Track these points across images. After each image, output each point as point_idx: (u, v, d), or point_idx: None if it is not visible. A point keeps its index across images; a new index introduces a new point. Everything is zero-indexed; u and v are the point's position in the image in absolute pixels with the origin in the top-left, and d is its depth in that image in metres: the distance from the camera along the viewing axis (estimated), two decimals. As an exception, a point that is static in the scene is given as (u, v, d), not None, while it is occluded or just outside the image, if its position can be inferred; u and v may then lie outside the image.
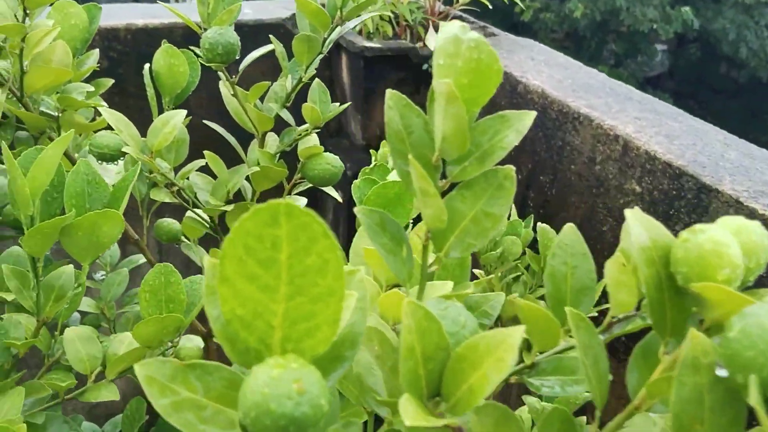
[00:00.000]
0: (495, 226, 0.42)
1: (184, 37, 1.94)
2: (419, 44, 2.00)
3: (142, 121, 1.84)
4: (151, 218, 1.03)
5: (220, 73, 0.84)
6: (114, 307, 1.06)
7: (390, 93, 0.44)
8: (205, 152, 0.86)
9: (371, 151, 1.35)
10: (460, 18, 2.10)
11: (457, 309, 0.41)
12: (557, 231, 1.47)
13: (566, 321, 0.42)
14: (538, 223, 1.26)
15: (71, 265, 0.71)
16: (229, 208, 0.86)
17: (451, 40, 0.39)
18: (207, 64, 0.80)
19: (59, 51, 0.92)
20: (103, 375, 0.77)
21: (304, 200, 0.97)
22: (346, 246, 1.83)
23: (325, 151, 0.86)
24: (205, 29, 0.82)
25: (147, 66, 0.97)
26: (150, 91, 0.96)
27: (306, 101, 0.86)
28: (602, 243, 1.48)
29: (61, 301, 0.69)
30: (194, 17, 0.85)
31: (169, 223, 0.98)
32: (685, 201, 1.34)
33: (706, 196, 1.26)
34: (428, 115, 0.44)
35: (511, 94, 1.71)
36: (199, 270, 0.98)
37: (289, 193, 0.93)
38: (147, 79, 0.96)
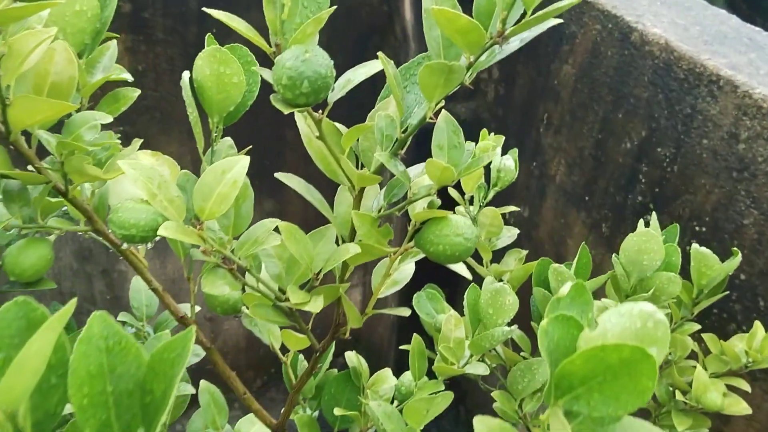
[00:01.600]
0: None
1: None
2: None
3: (173, 75, 1.48)
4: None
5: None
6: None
7: None
8: (281, 225, 0.57)
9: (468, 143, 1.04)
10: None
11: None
12: (677, 216, 1.17)
13: None
14: (693, 246, 0.96)
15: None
16: (316, 307, 0.57)
17: None
18: (287, 110, 0.50)
19: (60, 58, 0.62)
20: None
21: (411, 267, 0.68)
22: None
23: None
24: (277, 46, 0.51)
25: (185, 75, 0.66)
26: (192, 114, 0.65)
27: (419, 138, 0.56)
28: (742, 239, 1.18)
29: None
30: None
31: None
32: None
33: None
34: None
35: (622, 43, 1.37)
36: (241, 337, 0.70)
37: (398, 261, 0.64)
38: (187, 94, 0.66)
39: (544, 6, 0.47)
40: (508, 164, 0.95)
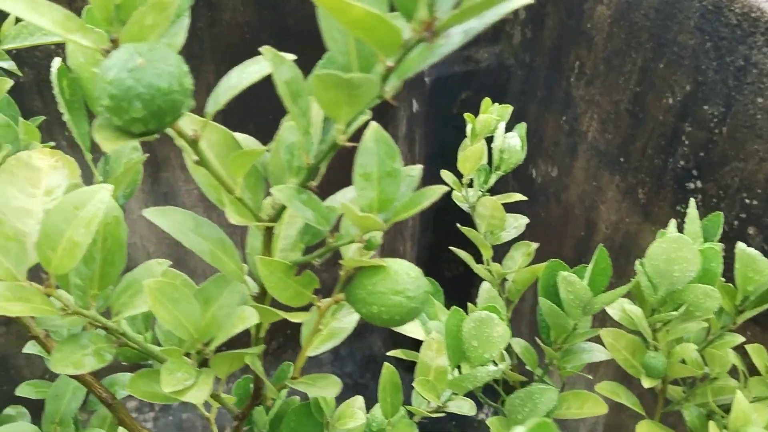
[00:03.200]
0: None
1: None
2: None
3: None
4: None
5: (170, 131, 0.36)
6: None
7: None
8: (148, 286, 0.41)
9: (467, 116, 0.85)
10: None
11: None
12: (725, 186, 0.96)
13: None
14: (739, 246, 0.76)
15: None
16: (198, 397, 0.41)
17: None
18: (114, 142, 0.33)
19: None
20: None
21: (353, 319, 0.51)
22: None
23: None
24: (114, 43, 0.34)
25: (55, 64, 0.49)
26: (65, 114, 0.49)
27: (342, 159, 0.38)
28: (800, 219, 0.98)
29: None
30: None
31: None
32: None
33: None
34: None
35: (665, -19, 1.14)
36: None
37: (330, 314, 0.47)
38: (57, 90, 0.49)
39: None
40: (513, 143, 0.76)
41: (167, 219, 0.42)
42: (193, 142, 0.38)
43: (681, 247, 0.66)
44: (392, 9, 0.33)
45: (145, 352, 0.45)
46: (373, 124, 0.39)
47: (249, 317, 0.40)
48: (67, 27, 0.34)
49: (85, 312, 0.43)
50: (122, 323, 0.44)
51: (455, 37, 0.31)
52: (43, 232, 0.41)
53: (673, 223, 0.70)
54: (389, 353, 0.86)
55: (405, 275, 0.41)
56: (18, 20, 0.75)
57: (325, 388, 0.47)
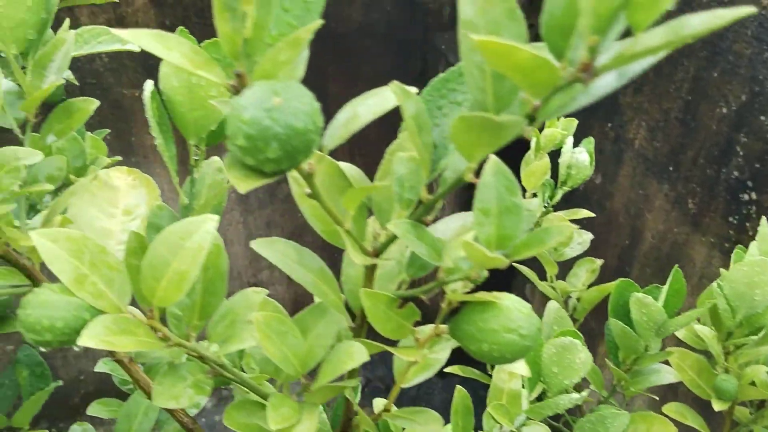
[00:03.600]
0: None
1: None
2: None
3: (205, 30, 1.25)
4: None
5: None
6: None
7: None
8: (256, 318, 0.39)
9: (534, 130, 0.84)
10: None
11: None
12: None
13: None
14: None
15: None
16: (308, 427, 0.40)
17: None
18: (247, 183, 0.32)
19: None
20: None
21: (446, 353, 0.50)
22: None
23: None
24: (239, 78, 0.33)
25: (148, 87, 0.48)
26: (158, 139, 0.48)
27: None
28: None
29: None
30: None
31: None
32: None
33: None
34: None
35: (722, -12, 1.12)
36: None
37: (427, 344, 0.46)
38: (150, 113, 0.48)
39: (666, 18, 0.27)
40: (581, 159, 0.74)
41: (272, 250, 0.42)
42: (309, 176, 0.37)
43: (764, 271, 0.65)
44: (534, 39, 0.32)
45: (242, 383, 0.44)
46: (493, 158, 0.38)
47: (357, 353, 0.39)
48: (194, 61, 0.33)
49: (186, 343, 0.42)
50: (222, 356, 0.43)
51: (609, 78, 0.30)
52: (148, 263, 0.40)
53: (754, 245, 0.68)
54: (446, 369, 0.85)
55: (517, 312, 0.40)
56: (71, 28, 0.75)
57: (426, 424, 0.46)
